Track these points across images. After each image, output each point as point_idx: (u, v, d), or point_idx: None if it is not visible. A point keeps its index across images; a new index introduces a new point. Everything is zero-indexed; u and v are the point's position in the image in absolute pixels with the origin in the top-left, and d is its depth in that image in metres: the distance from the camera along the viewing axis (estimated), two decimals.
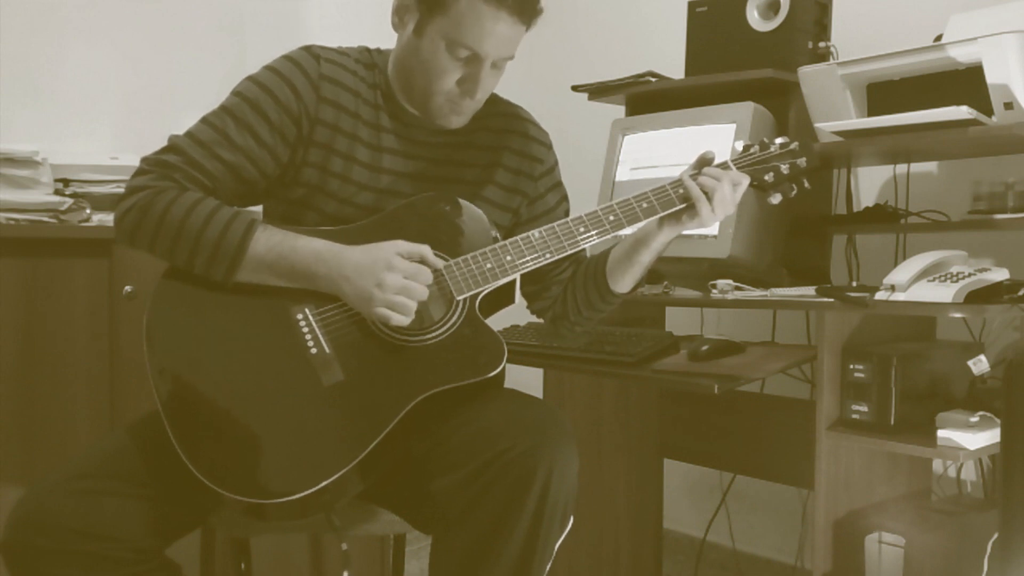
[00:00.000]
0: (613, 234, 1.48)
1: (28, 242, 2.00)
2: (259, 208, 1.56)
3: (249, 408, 1.34)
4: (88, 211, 2.13)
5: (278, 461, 1.31)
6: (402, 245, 1.39)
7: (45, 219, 2.07)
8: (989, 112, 1.74)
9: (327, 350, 1.38)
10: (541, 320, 1.72)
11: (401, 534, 1.78)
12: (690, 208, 1.46)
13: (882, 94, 1.94)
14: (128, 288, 2.06)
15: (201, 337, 1.38)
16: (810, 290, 1.86)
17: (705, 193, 1.45)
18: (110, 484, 1.31)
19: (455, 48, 1.39)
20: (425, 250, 1.39)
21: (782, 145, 1.52)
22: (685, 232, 1.51)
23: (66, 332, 2.03)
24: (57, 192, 2.14)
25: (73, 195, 2.13)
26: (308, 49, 1.48)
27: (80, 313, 2.05)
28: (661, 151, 2.17)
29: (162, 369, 1.35)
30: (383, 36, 1.56)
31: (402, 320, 1.35)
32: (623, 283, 1.56)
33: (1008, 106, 1.72)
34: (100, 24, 2.44)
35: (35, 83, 2.34)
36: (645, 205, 1.47)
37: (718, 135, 2.04)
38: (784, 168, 1.51)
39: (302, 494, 1.28)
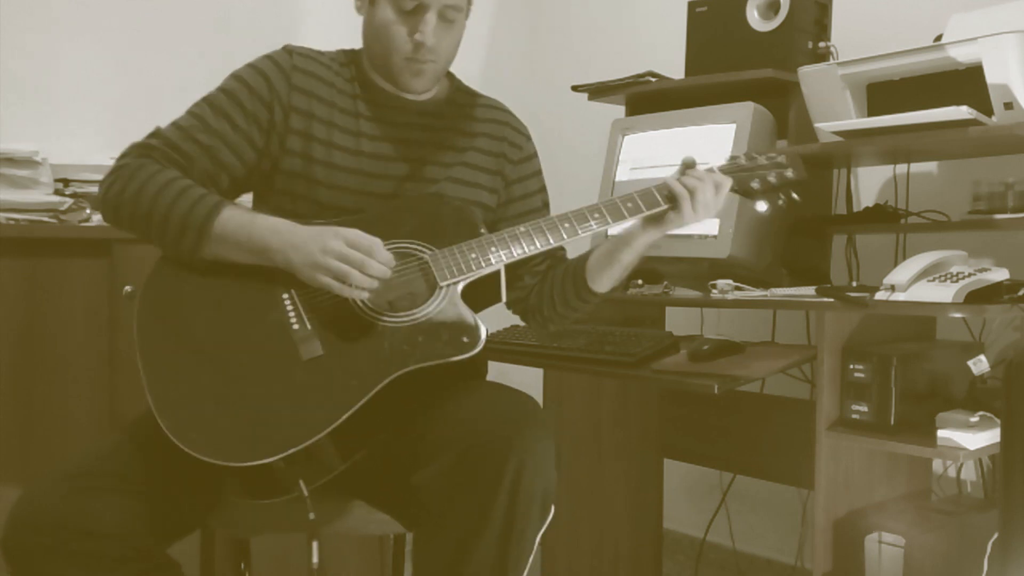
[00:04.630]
0: (597, 231, 1.50)
1: (28, 242, 2.00)
2: (247, 198, 1.60)
3: (227, 377, 1.36)
4: (88, 211, 2.13)
5: (251, 427, 1.33)
6: (356, 230, 1.41)
7: (45, 219, 2.08)
8: (989, 112, 1.74)
9: (308, 327, 1.40)
10: (513, 312, 1.73)
11: (401, 534, 1.78)
12: (672, 208, 1.50)
13: (882, 94, 1.94)
14: (128, 288, 2.06)
15: (188, 312, 1.42)
16: (810, 290, 1.86)
17: (689, 192, 1.49)
18: (109, 482, 1.32)
19: (400, 2, 1.47)
20: (376, 241, 1.40)
21: (769, 157, 1.57)
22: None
23: (66, 332, 2.03)
24: (57, 192, 2.14)
25: (73, 195, 2.13)
26: (284, 47, 1.58)
27: (80, 313, 2.05)
28: (661, 151, 2.17)
29: (147, 338, 1.40)
30: None
31: (338, 288, 1.37)
32: (602, 282, 1.58)
33: (1008, 106, 1.72)
34: (101, 24, 2.44)
35: (35, 83, 2.35)
36: (630, 204, 1.51)
37: (718, 135, 2.04)
38: (771, 177, 1.54)
39: (273, 458, 1.29)
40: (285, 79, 1.53)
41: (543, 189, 1.71)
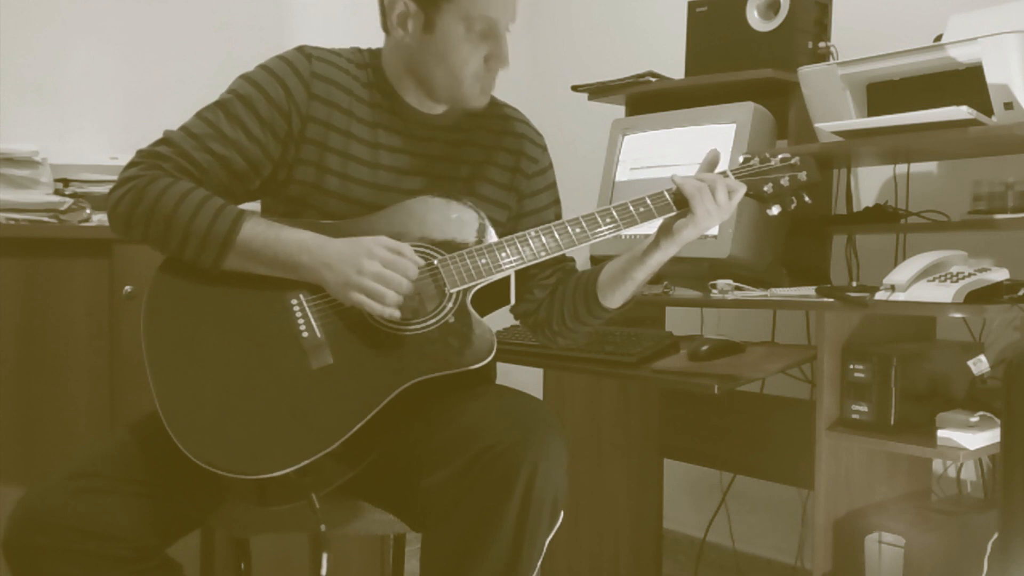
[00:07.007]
0: (608, 236, 1.48)
1: (28, 242, 2.00)
2: (254, 205, 1.57)
3: (236, 386, 1.35)
4: (88, 211, 2.13)
5: (262, 438, 1.32)
6: (384, 239, 1.40)
7: (45, 219, 2.08)
8: (989, 112, 1.74)
9: (318, 335, 1.39)
10: (522, 325, 1.71)
11: (401, 534, 1.78)
12: (684, 213, 1.45)
13: (882, 94, 1.94)
14: (128, 288, 2.06)
15: (196, 317, 1.40)
16: (810, 290, 1.86)
17: (698, 191, 1.44)
18: (110, 483, 1.31)
19: (473, 24, 1.44)
20: (406, 248, 1.40)
21: (783, 159, 1.53)
22: None
23: (66, 332, 2.03)
24: (57, 192, 2.14)
25: (73, 195, 2.13)
26: (301, 49, 1.51)
27: (80, 313, 2.05)
28: (661, 151, 2.17)
29: (155, 346, 1.36)
30: (370, 36, 1.57)
31: (377, 308, 1.36)
32: (613, 298, 1.55)
33: (1008, 106, 1.72)
34: (101, 24, 2.44)
35: (36, 83, 2.35)
36: (642, 209, 1.47)
37: (718, 135, 2.04)
38: (784, 181, 1.51)
39: (283, 471, 1.29)
40: (304, 87, 1.47)
41: (556, 202, 1.68)
